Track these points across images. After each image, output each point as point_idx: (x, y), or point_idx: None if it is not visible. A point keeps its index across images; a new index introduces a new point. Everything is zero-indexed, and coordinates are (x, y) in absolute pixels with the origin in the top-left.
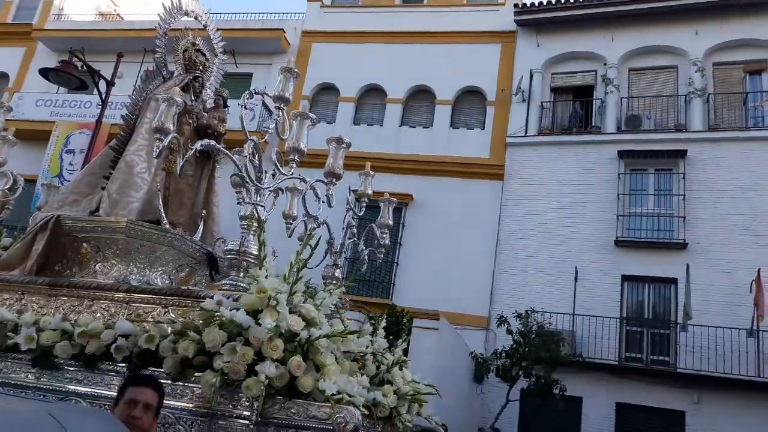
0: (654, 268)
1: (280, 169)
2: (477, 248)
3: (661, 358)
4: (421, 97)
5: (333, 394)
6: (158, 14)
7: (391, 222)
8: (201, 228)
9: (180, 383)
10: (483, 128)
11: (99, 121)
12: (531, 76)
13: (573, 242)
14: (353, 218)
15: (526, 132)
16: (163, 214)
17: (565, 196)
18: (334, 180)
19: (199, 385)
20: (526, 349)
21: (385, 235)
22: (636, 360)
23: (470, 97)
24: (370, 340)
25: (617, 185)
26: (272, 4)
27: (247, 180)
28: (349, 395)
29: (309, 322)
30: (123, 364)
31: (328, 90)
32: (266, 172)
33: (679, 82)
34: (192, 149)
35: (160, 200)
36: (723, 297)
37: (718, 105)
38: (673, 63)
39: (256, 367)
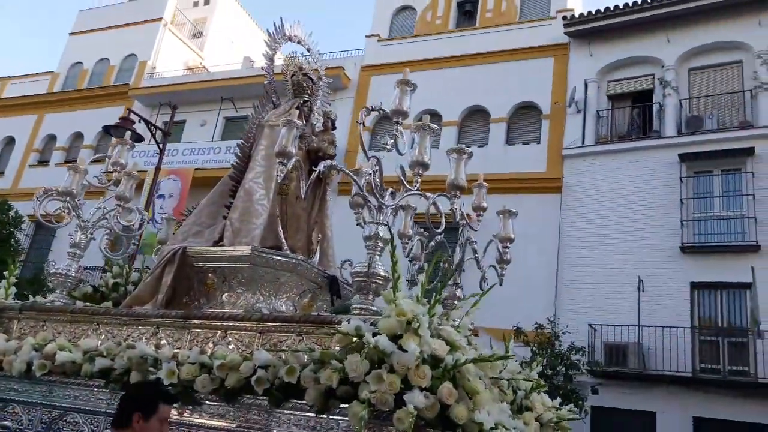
0: (725, 274)
1: (406, 184)
2: (539, 264)
3: (740, 368)
4: (476, 117)
5: (492, 428)
6: (264, 41)
7: (513, 236)
8: (318, 252)
9: (324, 416)
10: (539, 142)
11: (158, 168)
12: (585, 86)
13: (636, 252)
14: (468, 237)
15: (583, 142)
16: (283, 240)
17: (625, 204)
18: (458, 193)
19: (344, 418)
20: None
21: (507, 251)
22: (712, 371)
23: (525, 112)
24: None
25: (680, 190)
26: (332, 41)
27: (369, 199)
28: (506, 428)
29: (452, 346)
30: (264, 397)
31: (387, 119)
32: (387, 190)
33: (744, 78)
34: (316, 171)
35: (280, 226)
36: None
37: None
38: (736, 59)
39: (405, 397)
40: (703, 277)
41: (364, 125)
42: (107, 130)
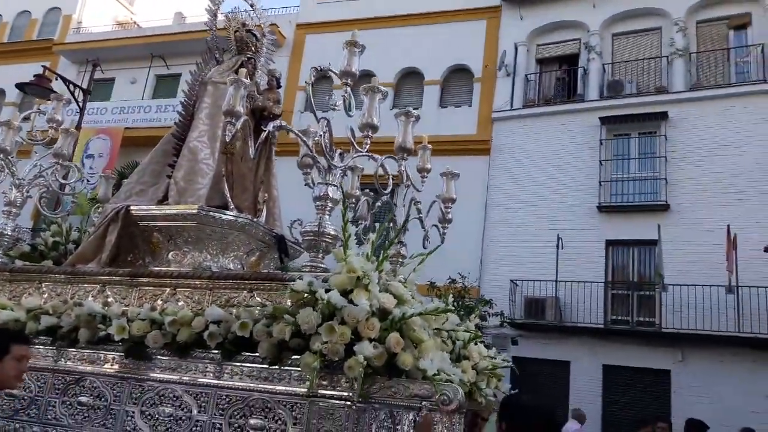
0: (638, 231)
1: (356, 146)
2: (466, 223)
3: (647, 319)
4: (411, 79)
5: (435, 374)
6: None
7: (455, 196)
8: (264, 212)
9: (276, 367)
10: (470, 105)
11: (78, 127)
12: (516, 50)
13: (557, 211)
14: (413, 198)
15: (511, 106)
16: (230, 199)
17: (549, 166)
18: (405, 155)
19: (296, 368)
20: None
21: (449, 210)
22: (622, 323)
23: (458, 75)
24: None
25: (599, 152)
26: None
27: (319, 160)
28: (447, 374)
29: (399, 300)
30: (216, 351)
31: (323, 80)
32: (336, 151)
33: (663, 44)
34: (265, 131)
35: (226, 185)
36: (706, 256)
37: (702, 64)
38: (656, 25)
39: (355, 347)
40: (618, 234)
41: (312, 85)
42: (21, 88)
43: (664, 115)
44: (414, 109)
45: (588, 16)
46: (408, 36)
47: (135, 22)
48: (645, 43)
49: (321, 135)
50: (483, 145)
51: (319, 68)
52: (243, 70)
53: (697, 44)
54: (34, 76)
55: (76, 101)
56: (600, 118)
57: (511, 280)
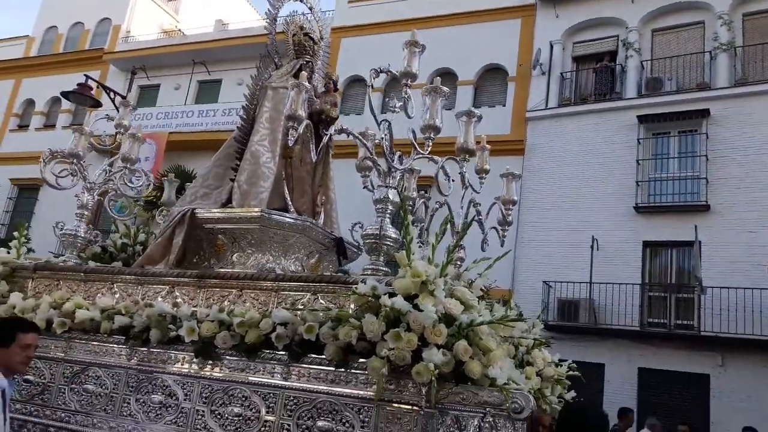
0: (676, 232)
1: (417, 147)
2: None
3: (685, 322)
4: (444, 79)
5: (504, 383)
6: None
7: (515, 198)
8: (322, 214)
9: (343, 370)
10: (504, 105)
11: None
12: (551, 48)
13: (593, 212)
14: (471, 200)
15: (546, 105)
16: (290, 202)
17: (584, 166)
18: (467, 157)
19: (363, 371)
20: None
21: (510, 213)
22: (660, 326)
23: (492, 74)
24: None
25: (636, 151)
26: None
27: (379, 163)
28: (516, 383)
29: (465, 305)
30: (283, 352)
31: (357, 83)
32: (395, 153)
33: (706, 39)
34: (327, 135)
35: (286, 188)
36: (749, 258)
37: (749, 58)
38: (698, 19)
39: (423, 354)
40: (656, 236)
41: (372, 87)
42: (65, 96)
43: (705, 113)
44: (447, 109)
45: (626, 12)
46: (441, 37)
47: (180, 30)
48: (686, 38)
49: (382, 137)
50: (517, 145)
51: (378, 69)
52: (304, 74)
53: (743, 38)
54: (78, 84)
55: (116, 108)
56: (638, 117)
57: (545, 282)
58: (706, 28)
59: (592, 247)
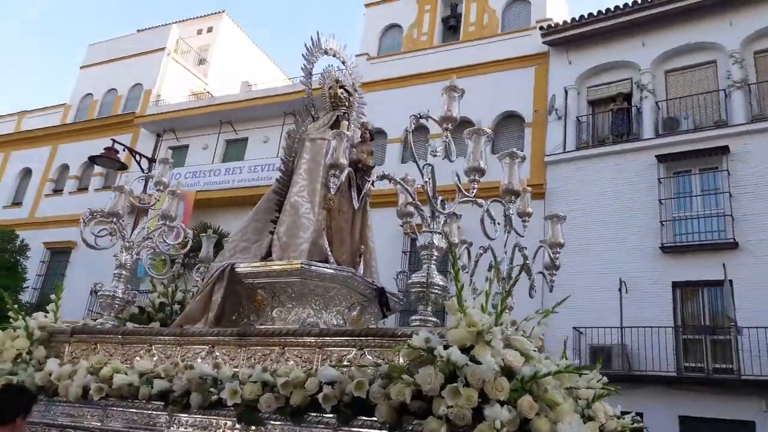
0: (705, 272)
1: (462, 191)
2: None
3: (724, 366)
4: (462, 127)
5: None
6: (302, 54)
7: (563, 241)
8: (362, 264)
9: None
10: (522, 150)
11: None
12: (566, 93)
13: (618, 253)
14: (516, 244)
15: (564, 148)
16: (329, 253)
17: (607, 208)
18: (512, 198)
19: None
20: None
21: (558, 256)
22: (697, 370)
23: (509, 121)
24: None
25: (658, 190)
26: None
27: (422, 208)
28: None
29: (525, 356)
30: (331, 415)
31: (377, 135)
32: (438, 198)
33: (719, 78)
34: (369, 181)
35: (326, 239)
36: None
37: (763, 94)
38: (710, 59)
39: (486, 412)
40: (684, 276)
41: (412, 133)
42: (93, 160)
43: (725, 150)
44: (465, 157)
45: (638, 56)
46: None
47: (208, 92)
48: (700, 77)
49: (426, 181)
50: (537, 189)
51: (418, 116)
52: (345, 123)
53: (756, 75)
54: (104, 149)
55: (142, 169)
56: (657, 156)
57: (574, 328)
58: (719, 66)
59: (620, 290)
